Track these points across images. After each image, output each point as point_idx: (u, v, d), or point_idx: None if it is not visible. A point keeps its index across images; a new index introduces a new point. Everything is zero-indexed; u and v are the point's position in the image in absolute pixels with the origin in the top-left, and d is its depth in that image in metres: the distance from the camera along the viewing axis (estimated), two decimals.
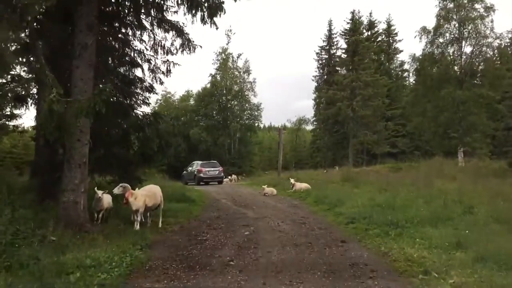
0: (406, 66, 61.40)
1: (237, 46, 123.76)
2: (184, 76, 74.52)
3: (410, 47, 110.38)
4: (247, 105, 57.32)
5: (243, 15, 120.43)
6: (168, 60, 16.61)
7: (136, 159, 14.88)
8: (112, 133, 15.03)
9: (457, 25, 36.46)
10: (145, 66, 16.67)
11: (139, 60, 16.37)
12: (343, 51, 54.80)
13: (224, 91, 56.67)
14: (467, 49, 36.21)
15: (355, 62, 49.97)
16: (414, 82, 48.28)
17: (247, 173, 53.66)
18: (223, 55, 57.13)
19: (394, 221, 11.07)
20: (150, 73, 16.92)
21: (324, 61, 63.45)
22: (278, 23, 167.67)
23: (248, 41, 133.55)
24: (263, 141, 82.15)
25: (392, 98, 53.58)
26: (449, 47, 36.50)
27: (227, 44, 57.14)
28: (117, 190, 10.34)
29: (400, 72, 62.57)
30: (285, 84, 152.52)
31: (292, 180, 23.58)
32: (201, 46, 15.97)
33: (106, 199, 10.97)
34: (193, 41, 15.59)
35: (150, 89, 15.49)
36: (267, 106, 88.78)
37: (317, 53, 63.54)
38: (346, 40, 52.77)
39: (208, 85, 56.88)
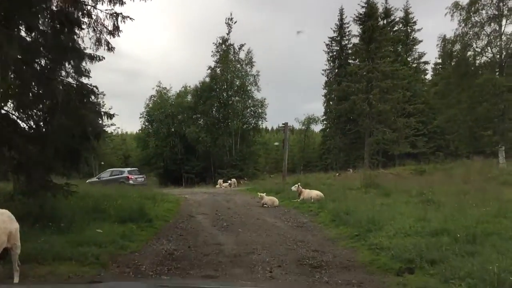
0: (426, 58, 55.94)
1: (239, 38, 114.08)
2: (182, 71, 68.77)
3: (431, 36, 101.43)
4: (249, 101, 51.44)
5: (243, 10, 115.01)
6: (115, 13, 11.58)
7: (47, 156, 9.26)
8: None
9: (495, 0, 30.64)
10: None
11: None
12: (357, 39, 48.59)
13: (225, 86, 50.97)
14: (508, 28, 30.40)
15: (372, 50, 43.80)
16: (441, 69, 42.33)
17: (250, 176, 47.98)
18: (223, 46, 51.44)
19: (500, 275, 5.43)
20: (91, 32, 11.69)
21: (335, 53, 57.51)
22: (283, 21, 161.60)
23: (252, 41, 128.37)
24: (269, 142, 76.50)
25: (411, 93, 47.46)
26: (486, 26, 30.59)
27: (227, 34, 51.39)
28: None
29: (419, 65, 56.49)
30: (294, 86, 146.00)
31: (296, 187, 17.93)
32: None
33: None
34: None
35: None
36: (274, 108, 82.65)
37: (327, 45, 57.55)
38: (361, 27, 46.56)
39: (207, 79, 51.15)
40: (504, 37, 30.32)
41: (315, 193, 17.20)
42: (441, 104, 34.16)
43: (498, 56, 30.35)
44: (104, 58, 15.32)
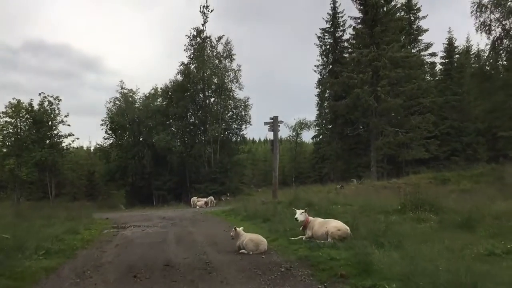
0: (434, 49, 48.39)
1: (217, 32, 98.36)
2: (152, 72, 60.06)
3: (437, 26, 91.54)
4: (230, 101, 43.34)
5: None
6: None
7: None
8: None
9: None
10: None
11: None
12: (357, 22, 40.51)
13: (201, 85, 42.89)
14: None
15: (376, 34, 35.97)
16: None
17: (233, 191, 39.80)
18: (198, 38, 43.45)
19: None
20: None
21: (328, 46, 49.76)
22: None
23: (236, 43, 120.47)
24: (256, 151, 68.12)
25: (426, 83, 39.79)
26: None
27: (203, 24, 43.41)
28: None
29: (425, 57, 49.00)
30: (283, 96, 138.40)
31: (300, 214, 9.85)
32: None
33: None
34: None
35: None
36: (261, 120, 73.80)
37: (319, 37, 49.68)
38: (361, 7, 38.61)
39: (179, 77, 42.94)
40: None
41: (333, 225, 9.24)
42: (478, 91, 26.32)
43: None
44: None
